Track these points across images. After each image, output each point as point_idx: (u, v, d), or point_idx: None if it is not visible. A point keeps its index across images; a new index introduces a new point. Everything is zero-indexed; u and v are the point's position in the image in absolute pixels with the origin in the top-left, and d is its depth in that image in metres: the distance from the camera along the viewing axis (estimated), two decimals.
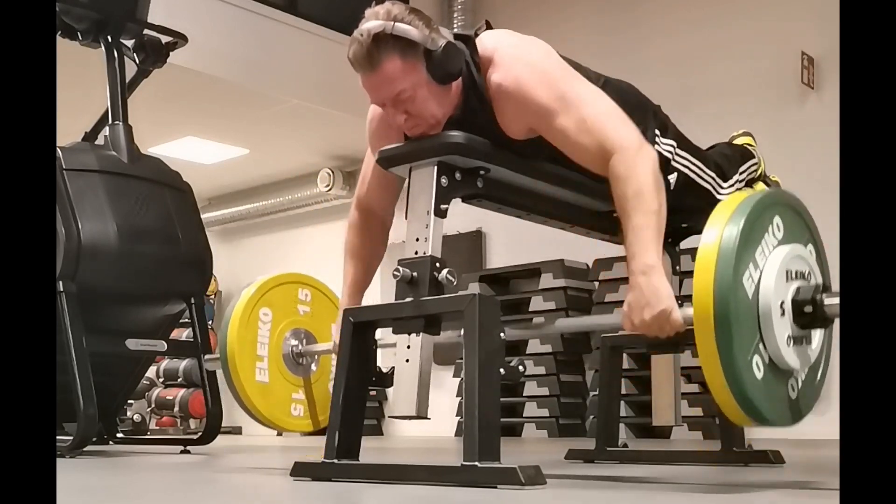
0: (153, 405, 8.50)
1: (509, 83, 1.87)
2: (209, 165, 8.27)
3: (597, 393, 4.33)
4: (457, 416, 6.70)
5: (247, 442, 6.00)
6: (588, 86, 1.93)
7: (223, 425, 3.99)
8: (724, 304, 1.46)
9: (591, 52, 4.91)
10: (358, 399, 1.94)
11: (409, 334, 1.84)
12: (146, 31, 3.90)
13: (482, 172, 1.92)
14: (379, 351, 2.02)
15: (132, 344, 3.58)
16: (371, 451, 2.56)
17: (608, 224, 2.26)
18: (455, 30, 1.96)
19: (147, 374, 6.43)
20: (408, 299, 1.83)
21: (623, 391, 5.22)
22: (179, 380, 8.43)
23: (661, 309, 1.65)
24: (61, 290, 3.25)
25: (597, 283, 6.36)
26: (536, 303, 6.56)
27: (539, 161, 1.99)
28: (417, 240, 1.86)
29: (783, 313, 1.54)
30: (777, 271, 1.53)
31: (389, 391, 6.34)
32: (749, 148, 2.51)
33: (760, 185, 2.45)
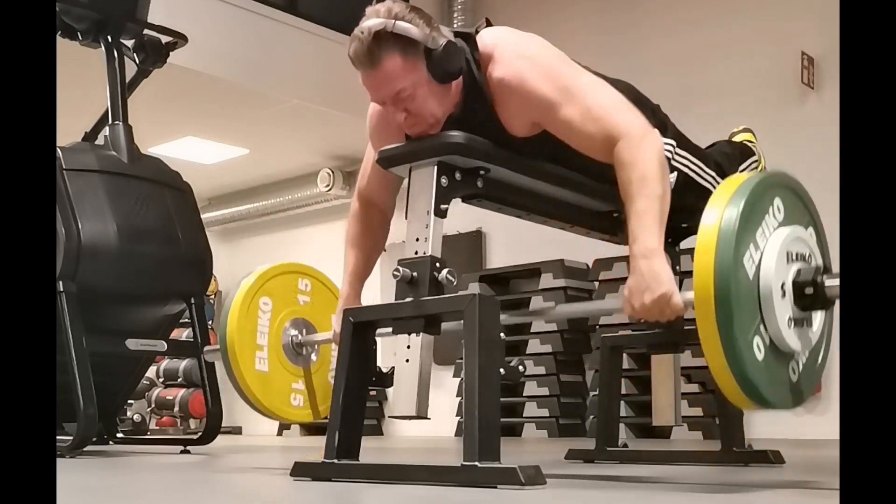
0: (153, 405, 8.50)
1: (511, 77, 1.87)
2: (209, 165, 8.27)
3: (597, 393, 4.33)
4: (457, 416, 6.70)
5: (247, 442, 6.00)
6: (590, 76, 1.93)
7: (223, 425, 3.99)
8: (725, 284, 1.45)
9: (591, 52, 4.91)
10: (358, 399, 1.94)
11: (409, 334, 1.84)
12: (146, 31, 3.90)
13: (482, 172, 1.92)
14: (379, 351, 2.02)
15: (132, 344, 3.58)
16: (371, 451, 2.56)
17: (608, 224, 2.27)
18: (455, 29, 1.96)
19: (147, 374, 6.43)
20: (408, 299, 1.82)
21: (623, 391, 5.23)
22: (179, 380, 8.44)
23: (662, 293, 1.65)
24: (61, 290, 3.25)
25: (597, 283, 6.36)
26: (536, 303, 6.56)
27: (539, 161, 1.99)
28: (417, 240, 1.86)
29: (784, 295, 1.53)
30: (778, 253, 1.53)
31: (389, 391, 6.35)
32: (749, 144, 2.51)
33: None
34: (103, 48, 3.79)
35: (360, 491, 1.68)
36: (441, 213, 1.86)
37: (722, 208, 1.51)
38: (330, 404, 1.96)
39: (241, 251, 9.46)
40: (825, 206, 1.72)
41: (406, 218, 1.90)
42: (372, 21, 1.82)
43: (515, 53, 1.90)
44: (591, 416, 6.07)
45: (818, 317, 1.62)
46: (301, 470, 1.95)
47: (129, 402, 7.58)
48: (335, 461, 1.87)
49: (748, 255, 1.50)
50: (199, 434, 3.92)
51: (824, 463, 2.64)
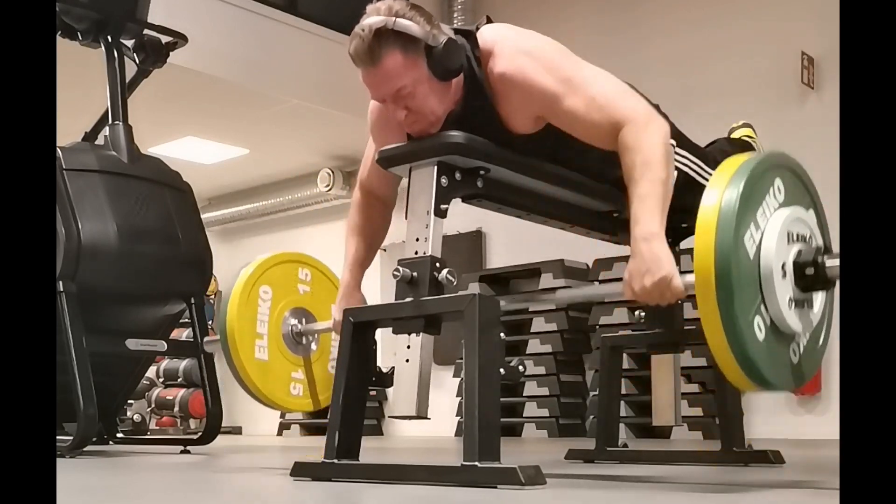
0: (153, 405, 8.50)
1: (513, 72, 1.87)
2: (209, 165, 8.27)
3: (597, 393, 4.33)
4: (457, 416, 6.70)
5: (247, 442, 6.00)
6: (591, 67, 1.93)
7: (223, 425, 3.99)
8: (726, 263, 1.45)
9: (591, 52, 4.87)
10: (358, 399, 1.94)
11: (409, 334, 1.84)
12: (146, 31, 3.90)
13: (482, 172, 1.92)
14: (379, 351, 2.02)
15: (132, 344, 3.58)
16: (371, 451, 2.56)
17: (608, 224, 2.27)
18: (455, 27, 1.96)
19: (147, 374, 6.43)
20: (408, 299, 1.82)
21: (623, 391, 5.22)
22: (179, 380, 8.44)
23: (662, 275, 1.65)
24: (61, 290, 3.25)
25: (597, 283, 6.36)
26: (536, 303, 6.56)
27: (539, 161, 1.99)
28: (417, 240, 1.86)
29: (784, 275, 1.53)
30: (778, 233, 1.53)
31: (389, 391, 6.35)
32: (749, 140, 2.51)
33: None
34: (103, 48, 3.79)
35: (360, 491, 1.68)
36: (441, 213, 1.86)
37: (722, 188, 1.50)
38: (330, 394, 1.95)
39: (241, 251, 9.46)
40: (825, 206, 1.72)
41: (406, 218, 1.91)
42: (373, 18, 1.82)
43: (516, 48, 1.90)
44: (591, 416, 6.07)
45: (819, 298, 1.61)
46: (301, 470, 1.95)
47: (129, 402, 7.58)
48: (335, 461, 1.87)
49: (749, 235, 1.49)
50: (199, 434, 3.92)
51: (824, 463, 2.64)
